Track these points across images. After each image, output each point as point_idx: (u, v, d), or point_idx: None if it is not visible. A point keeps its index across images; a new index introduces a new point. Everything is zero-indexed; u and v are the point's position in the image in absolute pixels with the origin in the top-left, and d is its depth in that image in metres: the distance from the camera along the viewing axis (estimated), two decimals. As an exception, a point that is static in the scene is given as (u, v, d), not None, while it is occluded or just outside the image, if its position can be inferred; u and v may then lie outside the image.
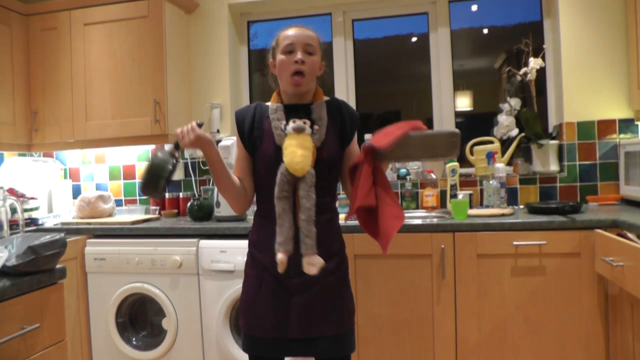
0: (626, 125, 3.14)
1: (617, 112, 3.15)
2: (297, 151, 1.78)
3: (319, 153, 1.85)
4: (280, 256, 1.79)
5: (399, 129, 1.74)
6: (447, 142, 1.73)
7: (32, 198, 3.28)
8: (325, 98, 1.98)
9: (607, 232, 2.33)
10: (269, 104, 1.96)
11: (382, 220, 1.79)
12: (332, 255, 1.92)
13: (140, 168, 3.80)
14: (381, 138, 1.75)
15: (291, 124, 1.83)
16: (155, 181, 1.79)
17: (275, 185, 1.82)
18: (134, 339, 3.00)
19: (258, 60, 3.98)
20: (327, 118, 1.90)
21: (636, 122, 3.11)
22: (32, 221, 3.20)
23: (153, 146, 3.74)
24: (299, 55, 1.84)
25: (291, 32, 1.89)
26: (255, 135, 1.92)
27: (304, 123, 1.83)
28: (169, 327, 2.88)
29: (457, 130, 1.75)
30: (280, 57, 1.88)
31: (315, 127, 1.86)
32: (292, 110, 1.91)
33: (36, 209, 3.33)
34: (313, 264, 1.79)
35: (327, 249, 1.89)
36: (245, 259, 2.67)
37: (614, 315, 2.45)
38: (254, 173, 1.97)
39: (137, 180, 3.81)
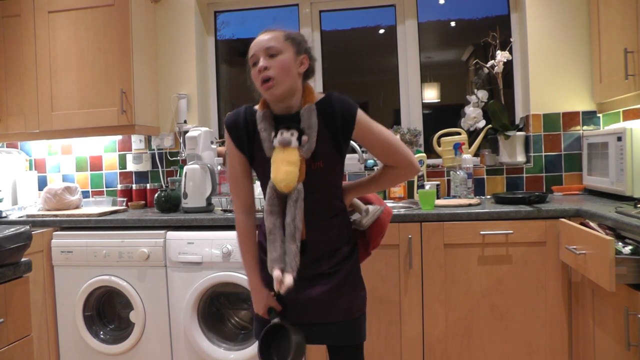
0: (589, 117, 3.21)
1: (581, 104, 3.22)
2: (281, 167, 1.71)
3: (314, 163, 1.79)
4: (277, 273, 1.73)
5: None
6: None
7: (-5, 190, 3.22)
8: (320, 96, 1.84)
9: (571, 221, 2.38)
10: (256, 108, 1.88)
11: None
12: (342, 249, 1.91)
13: (108, 159, 3.75)
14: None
15: (277, 137, 1.75)
16: None
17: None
18: (101, 332, 2.97)
19: (225, 51, 3.95)
20: (320, 122, 1.78)
21: (598, 115, 3.19)
22: (-5, 214, 3.14)
23: (120, 137, 3.69)
24: (260, 63, 1.76)
25: (254, 41, 1.81)
26: (251, 145, 1.86)
27: (291, 135, 1.73)
28: (137, 319, 2.85)
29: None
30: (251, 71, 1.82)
31: (304, 138, 1.74)
32: (281, 119, 1.81)
33: (0, 201, 3.26)
34: (282, 282, 1.72)
35: (335, 246, 1.89)
36: (211, 250, 2.69)
37: (577, 302, 2.51)
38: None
39: (105, 171, 3.77)
